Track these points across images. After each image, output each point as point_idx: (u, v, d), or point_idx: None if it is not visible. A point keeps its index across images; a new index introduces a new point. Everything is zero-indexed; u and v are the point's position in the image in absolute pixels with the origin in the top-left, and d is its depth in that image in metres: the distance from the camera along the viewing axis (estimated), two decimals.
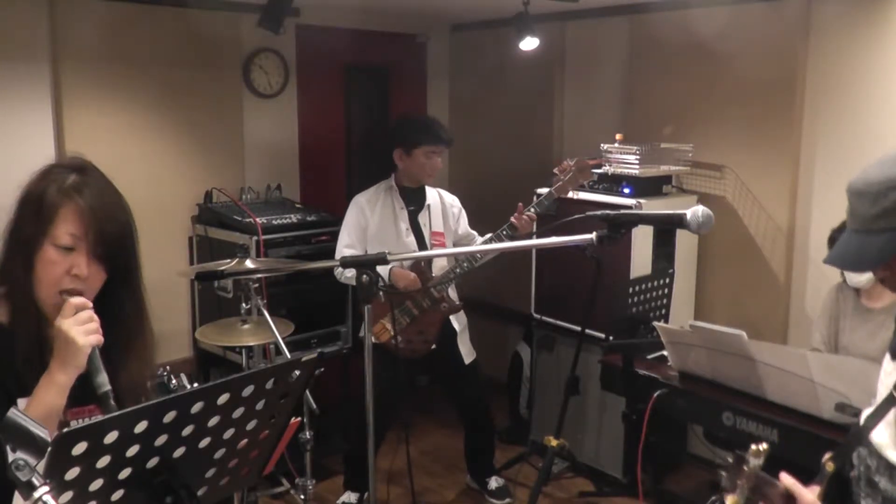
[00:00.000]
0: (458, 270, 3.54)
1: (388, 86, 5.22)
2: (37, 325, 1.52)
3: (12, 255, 1.53)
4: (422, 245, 3.69)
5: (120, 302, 1.61)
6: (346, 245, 3.65)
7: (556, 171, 3.50)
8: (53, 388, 1.43)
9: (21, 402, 1.46)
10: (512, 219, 3.40)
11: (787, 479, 1.47)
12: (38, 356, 1.49)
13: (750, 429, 2.70)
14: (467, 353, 3.82)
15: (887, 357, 1.77)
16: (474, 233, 3.87)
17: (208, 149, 4.32)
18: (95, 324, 1.46)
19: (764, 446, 1.47)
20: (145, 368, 1.65)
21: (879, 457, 1.67)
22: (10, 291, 1.53)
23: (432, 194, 3.81)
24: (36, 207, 1.50)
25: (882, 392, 1.72)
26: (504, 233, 3.41)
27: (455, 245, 3.81)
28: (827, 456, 1.73)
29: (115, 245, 1.54)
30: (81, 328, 1.44)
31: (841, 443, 1.86)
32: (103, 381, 1.42)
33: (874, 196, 1.55)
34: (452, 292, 3.76)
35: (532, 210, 3.42)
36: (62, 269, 1.49)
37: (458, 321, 3.78)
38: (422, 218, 3.73)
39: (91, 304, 1.49)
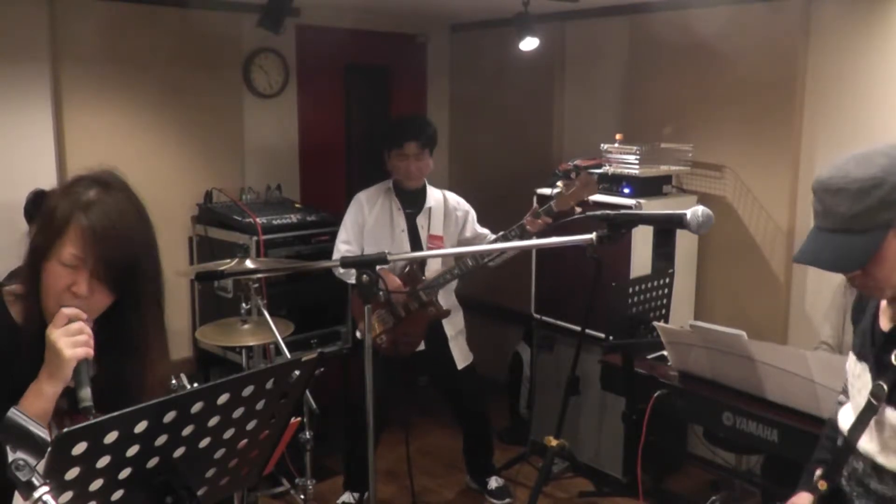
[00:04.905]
0: (447, 276, 3.52)
1: (388, 86, 5.21)
2: (42, 330, 1.50)
3: (28, 260, 1.53)
4: (416, 247, 3.66)
5: (126, 327, 1.57)
6: (343, 241, 3.64)
7: (559, 179, 3.46)
8: (40, 397, 1.42)
9: None
10: (526, 224, 3.30)
11: None
12: (41, 360, 1.47)
13: (750, 429, 2.70)
14: (461, 357, 3.78)
15: (852, 357, 1.73)
16: (486, 231, 3.76)
17: (208, 149, 4.32)
18: (85, 336, 1.44)
19: None
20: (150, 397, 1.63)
21: (866, 459, 1.66)
22: (23, 294, 1.54)
23: (435, 196, 3.76)
24: (49, 220, 1.50)
25: (856, 397, 1.70)
26: (513, 234, 3.34)
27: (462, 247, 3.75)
28: (818, 473, 1.72)
29: (118, 270, 1.50)
30: (70, 339, 1.42)
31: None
32: (85, 395, 1.40)
33: (855, 194, 1.49)
34: (450, 296, 3.73)
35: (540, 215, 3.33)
36: (64, 284, 1.48)
37: (451, 326, 3.74)
38: (420, 220, 3.71)
39: (84, 316, 1.47)
